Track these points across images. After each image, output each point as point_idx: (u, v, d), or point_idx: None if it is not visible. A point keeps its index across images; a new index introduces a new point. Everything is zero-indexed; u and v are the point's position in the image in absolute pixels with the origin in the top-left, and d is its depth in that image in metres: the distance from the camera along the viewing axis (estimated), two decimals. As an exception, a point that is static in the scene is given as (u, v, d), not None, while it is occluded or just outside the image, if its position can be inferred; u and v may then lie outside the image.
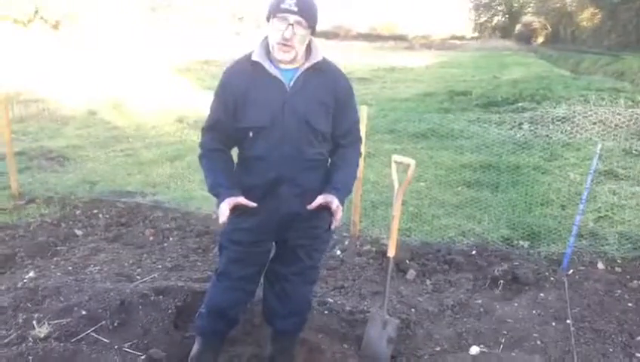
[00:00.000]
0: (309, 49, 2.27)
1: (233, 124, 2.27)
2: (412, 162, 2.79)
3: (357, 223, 4.65)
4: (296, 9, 2.10)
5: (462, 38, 50.37)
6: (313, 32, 2.24)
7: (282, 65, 2.23)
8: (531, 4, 47.97)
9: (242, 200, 2.25)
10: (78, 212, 5.15)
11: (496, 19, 52.46)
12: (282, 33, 2.12)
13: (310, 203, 2.30)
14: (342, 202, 2.35)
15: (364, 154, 4.58)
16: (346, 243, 4.52)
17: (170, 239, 4.59)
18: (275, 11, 2.13)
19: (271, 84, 2.22)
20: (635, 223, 4.80)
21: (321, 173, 2.41)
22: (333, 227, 2.40)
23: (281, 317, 2.64)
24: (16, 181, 5.64)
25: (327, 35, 46.16)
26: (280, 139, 2.23)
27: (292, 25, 2.12)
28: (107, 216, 5.07)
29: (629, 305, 3.50)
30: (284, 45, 2.15)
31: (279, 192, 2.30)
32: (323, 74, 2.29)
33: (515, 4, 49.41)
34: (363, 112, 4.38)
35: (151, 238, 4.60)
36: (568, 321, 3.26)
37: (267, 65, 2.21)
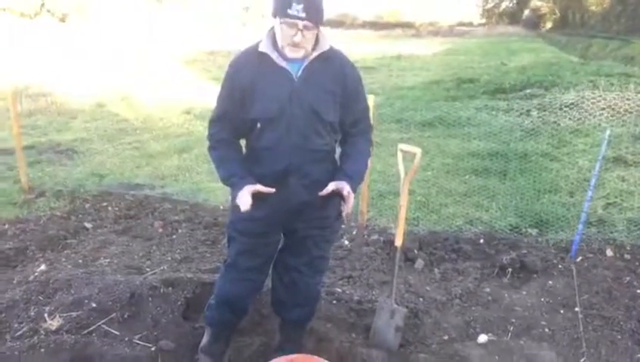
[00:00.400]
0: (315, 39, 2.24)
1: (240, 115, 2.26)
2: (418, 151, 2.78)
3: (364, 213, 4.66)
4: (304, 15, 2.06)
5: (469, 24, 49.92)
6: (322, 25, 2.21)
7: (290, 56, 2.21)
8: (539, -11, 47.35)
9: (260, 187, 2.24)
10: (87, 205, 5.19)
11: (504, 4, 51.87)
12: (292, 38, 2.11)
13: (317, 193, 2.30)
14: (354, 190, 2.34)
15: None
16: (354, 232, 4.53)
17: (179, 231, 4.62)
18: (282, 15, 2.09)
19: (278, 75, 2.20)
20: (644, 210, 4.77)
21: (330, 163, 2.41)
22: (344, 214, 2.39)
23: (290, 307, 2.66)
24: (26, 175, 5.69)
25: (333, 24, 45.90)
26: (288, 129, 2.22)
27: (301, 30, 2.09)
28: (116, 209, 5.11)
29: (638, 291, 3.50)
30: (294, 47, 2.14)
31: (288, 183, 2.30)
32: (330, 63, 2.27)
33: (523, -11, 48.80)
34: (370, 101, 4.36)
35: (160, 230, 4.63)
36: (577, 309, 3.26)
37: (275, 56, 2.19)
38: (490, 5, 52.15)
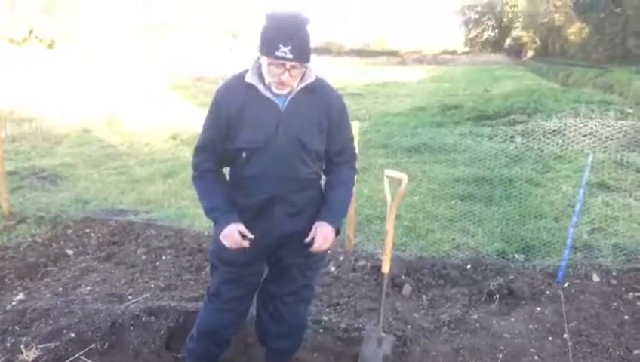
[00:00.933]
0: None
1: (226, 143, 2.24)
2: (404, 177, 2.77)
3: (351, 238, 4.62)
4: (291, 56, 2.06)
5: (453, 52, 50.83)
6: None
7: (276, 92, 2.21)
8: (520, 19, 48.58)
9: (245, 231, 2.23)
10: (69, 231, 5.09)
11: (486, 33, 53.03)
12: (279, 77, 2.11)
13: (304, 222, 2.31)
14: (339, 222, 2.34)
15: (358, 169, 4.58)
16: (341, 258, 4.49)
17: (163, 258, 4.54)
18: (269, 54, 2.08)
19: (265, 105, 2.20)
20: (628, 235, 4.80)
21: (315, 191, 2.39)
22: (312, 249, 2.31)
23: (275, 337, 2.61)
24: (7, 201, 5.58)
25: (320, 51, 46.45)
26: (274, 159, 2.21)
27: (288, 70, 2.10)
28: (99, 235, 5.02)
29: (626, 317, 3.48)
30: (281, 85, 2.15)
31: (273, 212, 2.28)
32: (316, 93, 2.27)
33: (505, 19, 50.03)
34: (355, 128, 4.38)
35: (143, 257, 4.55)
36: (565, 336, 3.24)
37: (261, 88, 2.19)
38: (473, 34, 53.29)
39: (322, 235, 2.28)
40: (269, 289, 2.56)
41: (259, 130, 2.19)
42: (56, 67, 19.68)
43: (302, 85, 2.22)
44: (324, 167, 2.44)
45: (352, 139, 2.46)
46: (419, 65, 37.22)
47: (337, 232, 2.35)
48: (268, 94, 2.19)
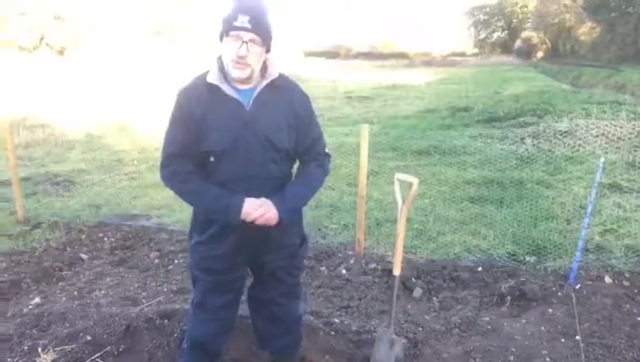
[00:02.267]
0: (264, 66, 2.23)
1: (194, 147, 2.17)
2: (415, 180, 2.79)
3: (362, 241, 4.64)
4: (249, 26, 2.05)
5: (462, 54, 50.70)
6: (268, 50, 2.19)
7: (239, 86, 2.18)
8: (530, 20, 48.32)
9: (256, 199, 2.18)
10: (83, 236, 5.16)
11: (495, 35, 52.83)
12: (236, 51, 2.08)
13: (281, 225, 2.24)
14: (285, 212, 2.22)
15: (368, 172, 4.60)
16: (351, 261, 4.51)
17: (175, 261, 4.59)
18: (228, 29, 2.08)
19: (229, 105, 2.16)
20: (641, 236, 4.77)
21: None
22: (244, 216, 2.17)
23: (275, 338, 2.62)
24: (22, 206, 5.67)
25: (328, 55, 46.59)
26: (244, 160, 2.17)
27: (246, 43, 2.07)
28: (112, 240, 5.08)
29: (638, 319, 3.46)
30: (239, 63, 2.10)
31: None
32: (281, 90, 2.24)
33: (514, 20, 49.80)
34: (364, 131, 4.41)
35: (156, 261, 4.60)
36: (577, 337, 3.23)
37: (224, 87, 2.15)
38: (482, 36, 53.11)
39: (263, 212, 2.17)
40: (259, 296, 2.55)
41: (225, 132, 2.14)
42: (67, 73, 19.93)
43: (265, 82, 2.20)
44: (295, 164, 2.40)
45: (320, 137, 2.39)
46: (427, 68, 37.16)
47: (280, 223, 2.22)
48: (231, 93, 2.15)
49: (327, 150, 2.43)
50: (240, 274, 2.44)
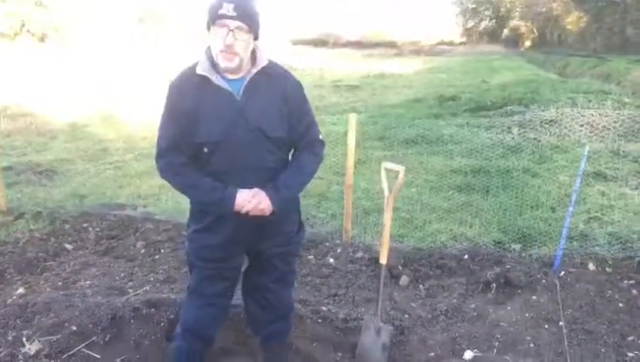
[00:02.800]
0: (253, 55, 2.21)
1: (187, 139, 2.18)
2: (401, 169, 2.79)
3: (349, 230, 4.65)
4: (235, 14, 2.03)
5: (450, 43, 50.70)
6: (257, 38, 2.18)
7: (229, 76, 2.17)
8: (517, 9, 48.45)
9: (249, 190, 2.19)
10: (67, 226, 5.10)
11: (483, 24, 52.89)
12: (224, 40, 2.06)
13: (278, 213, 2.25)
14: (279, 201, 2.22)
15: (355, 161, 4.60)
16: (339, 250, 4.52)
17: (162, 251, 4.56)
18: (214, 18, 2.06)
19: (220, 96, 2.15)
20: (624, 224, 4.84)
21: None
22: (238, 208, 2.18)
23: (266, 323, 2.64)
24: (4, 196, 5.58)
25: (317, 43, 46.33)
26: (237, 151, 2.17)
27: (232, 31, 2.05)
28: (97, 230, 5.03)
29: (620, 305, 3.52)
30: (227, 52, 2.09)
31: None
32: (272, 78, 2.23)
33: (502, 9, 49.88)
34: (352, 120, 4.40)
35: (142, 251, 4.57)
36: (561, 323, 3.28)
37: (214, 78, 2.14)
38: (470, 25, 53.15)
39: (256, 202, 2.17)
40: (253, 280, 2.57)
41: (217, 123, 2.14)
42: (49, 61, 19.61)
43: (254, 70, 2.18)
44: (291, 151, 2.39)
45: (312, 124, 2.38)
46: (416, 57, 37.12)
47: (273, 213, 2.23)
48: (222, 83, 2.14)
49: (320, 137, 2.42)
50: (237, 263, 2.45)
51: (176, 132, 2.18)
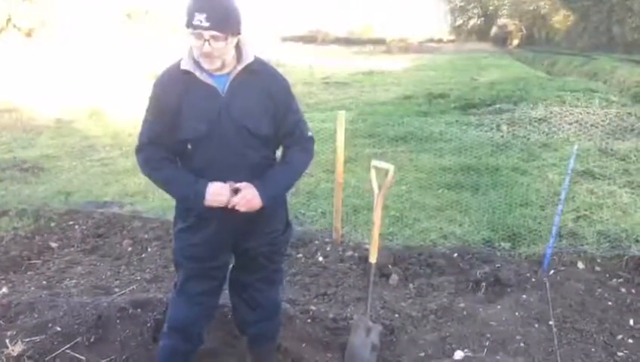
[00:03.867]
0: (239, 50, 2.17)
1: (170, 136, 2.16)
2: (391, 167, 2.76)
3: (339, 229, 4.62)
4: (207, 24, 1.97)
5: (439, 40, 50.91)
6: (238, 34, 2.11)
7: (214, 72, 2.13)
8: (505, 7, 48.72)
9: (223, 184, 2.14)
10: (53, 224, 5.02)
11: (472, 22, 53.14)
12: (201, 49, 2.03)
13: (264, 208, 2.22)
14: (267, 197, 2.19)
15: (344, 158, 4.56)
16: (328, 249, 4.49)
17: (149, 249, 4.51)
18: (188, 25, 2.01)
19: (204, 92, 2.12)
20: (612, 222, 4.85)
21: None
22: (230, 204, 2.15)
23: (253, 323, 2.61)
24: (-11, 193, 5.49)
25: (305, 40, 46.28)
26: (220, 147, 2.14)
27: (208, 40, 2.01)
28: (84, 228, 4.95)
29: (609, 303, 3.53)
30: (207, 58, 2.06)
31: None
32: (257, 75, 2.19)
33: (490, 7, 50.13)
34: (341, 118, 4.37)
35: (129, 249, 4.51)
36: (551, 322, 3.27)
37: (198, 73, 2.11)
38: (459, 22, 53.38)
39: (245, 196, 2.14)
40: (239, 279, 2.54)
41: (200, 119, 2.11)
42: (36, 56, 19.33)
43: (240, 67, 2.15)
44: (278, 149, 2.36)
45: (300, 121, 2.34)
46: (404, 54, 37.17)
47: (262, 208, 2.20)
48: (206, 79, 2.11)
49: (309, 133, 2.39)
50: (223, 261, 2.43)
51: (157, 127, 2.17)
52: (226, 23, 2.03)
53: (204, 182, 2.13)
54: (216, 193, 2.13)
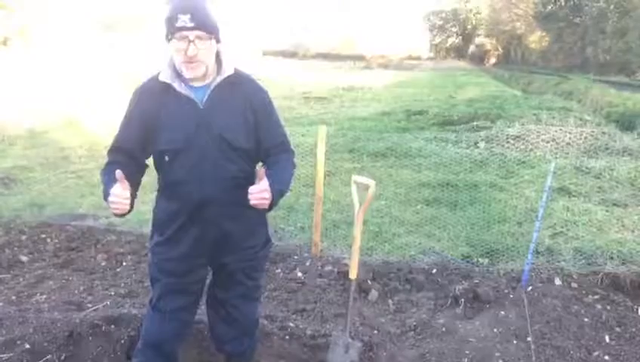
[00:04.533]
0: (219, 61, 2.17)
1: (148, 148, 2.15)
2: (372, 183, 2.75)
3: (318, 243, 4.59)
4: (192, 24, 1.98)
5: (418, 58, 51.71)
6: (218, 42, 2.12)
7: (194, 83, 2.12)
8: (483, 27, 49.76)
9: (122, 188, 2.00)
10: (24, 237, 4.88)
11: (450, 40, 54.17)
12: (185, 52, 2.01)
13: (242, 223, 2.23)
14: (275, 194, 2.10)
15: (324, 173, 4.55)
16: (307, 263, 4.45)
17: (124, 264, 4.40)
18: (172, 31, 2.00)
19: (183, 104, 2.10)
20: (588, 238, 4.92)
21: (248, 190, 2.26)
22: (251, 202, 2.05)
23: (230, 340, 2.56)
24: (-43, 205, 5.32)
25: (286, 54, 46.52)
26: (198, 160, 2.12)
27: (193, 42, 2.00)
28: (56, 241, 4.82)
29: (585, 320, 3.56)
30: (191, 63, 2.04)
31: (206, 215, 2.19)
32: (237, 87, 2.18)
33: (468, 26, 51.18)
34: (322, 132, 4.36)
35: (103, 263, 4.40)
36: (529, 339, 3.28)
37: (177, 85, 2.10)
38: (437, 40, 54.31)
39: (261, 188, 2.04)
40: (216, 295, 2.50)
41: (178, 130, 2.09)
42: (11, 65, 19.00)
43: (220, 78, 2.14)
44: (258, 164, 2.33)
45: (283, 134, 2.32)
46: (384, 70, 37.59)
47: (272, 205, 2.12)
48: (184, 91, 2.10)
49: (291, 146, 2.37)
50: (200, 276, 2.38)
51: (125, 134, 2.17)
52: (210, 23, 2.04)
53: (113, 187, 2.01)
54: (116, 194, 1.99)
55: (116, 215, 2.06)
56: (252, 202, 2.04)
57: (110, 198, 2.00)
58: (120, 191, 1.99)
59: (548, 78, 24.65)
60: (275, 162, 2.28)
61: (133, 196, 2.11)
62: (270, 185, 2.06)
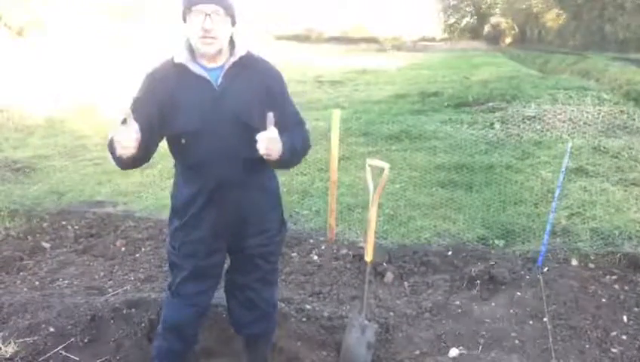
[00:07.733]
0: (232, 44, 2.17)
1: (164, 131, 2.15)
2: (386, 166, 2.76)
3: (333, 227, 4.62)
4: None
5: (432, 39, 51.01)
6: (234, 24, 2.14)
7: (208, 65, 2.13)
8: (498, 6, 48.88)
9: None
10: (45, 224, 4.98)
11: (465, 20, 53.28)
12: (202, 25, 2.01)
13: (260, 205, 2.27)
14: (287, 150, 2.09)
15: (339, 157, 4.56)
16: (323, 247, 4.48)
17: (143, 249, 4.48)
18: (190, 5, 2.02)
19: (198, 85, 2.11)
20: (605, 219, 4.88)
21: (265, 171, 2.31)
22: (260, 151, 2.02)
23: (249, 323, 2.59)
24: (-20, 194, 5.44)
25: (299, 38, 46.23)
26: (215, 141, 2.12)
27: (209, 15, 2.01)
28: (76, 228, 4.92)
29: (603, 300, 3.55)
30: (207, 37, 2.04)
31: (224, 198, 2.21)
32: (251, 68, 2.19)
33: (483, 6, 50.28)
34: (336, 116, 4.36)
35: (122, 249, 4.48)
36: (545, 319, 3.28)
37: (191, 65, 2.10)
38: (452, 21, 53.49)
39: (270, 136, 2.00)
40: (235, 280, 2.52)
41: (193, 112, 2.10)
42: (27, 55, 19.19)
43: (233, 59, 2.14)
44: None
45: (296, 113, 2.33)
46: (398, 52, 37.20)
47: (281, 159, 2.10)
48: (199, 71, 2.10)
49: (306, 126, 2.38)
50: (218, 260, 2.41)
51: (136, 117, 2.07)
52: (228, 1, 2.07)
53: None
54: (120, 138, 1.98)
55: (123, 156, 2.01)
56: (261, 151, 2.01)
57: (116, 137, 1.96)
58: (125, 128, 1.96)
59: (565, 57, 24.19)
60: (289, 135, 2.23)
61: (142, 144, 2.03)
62: (280, 137, 2.04)
